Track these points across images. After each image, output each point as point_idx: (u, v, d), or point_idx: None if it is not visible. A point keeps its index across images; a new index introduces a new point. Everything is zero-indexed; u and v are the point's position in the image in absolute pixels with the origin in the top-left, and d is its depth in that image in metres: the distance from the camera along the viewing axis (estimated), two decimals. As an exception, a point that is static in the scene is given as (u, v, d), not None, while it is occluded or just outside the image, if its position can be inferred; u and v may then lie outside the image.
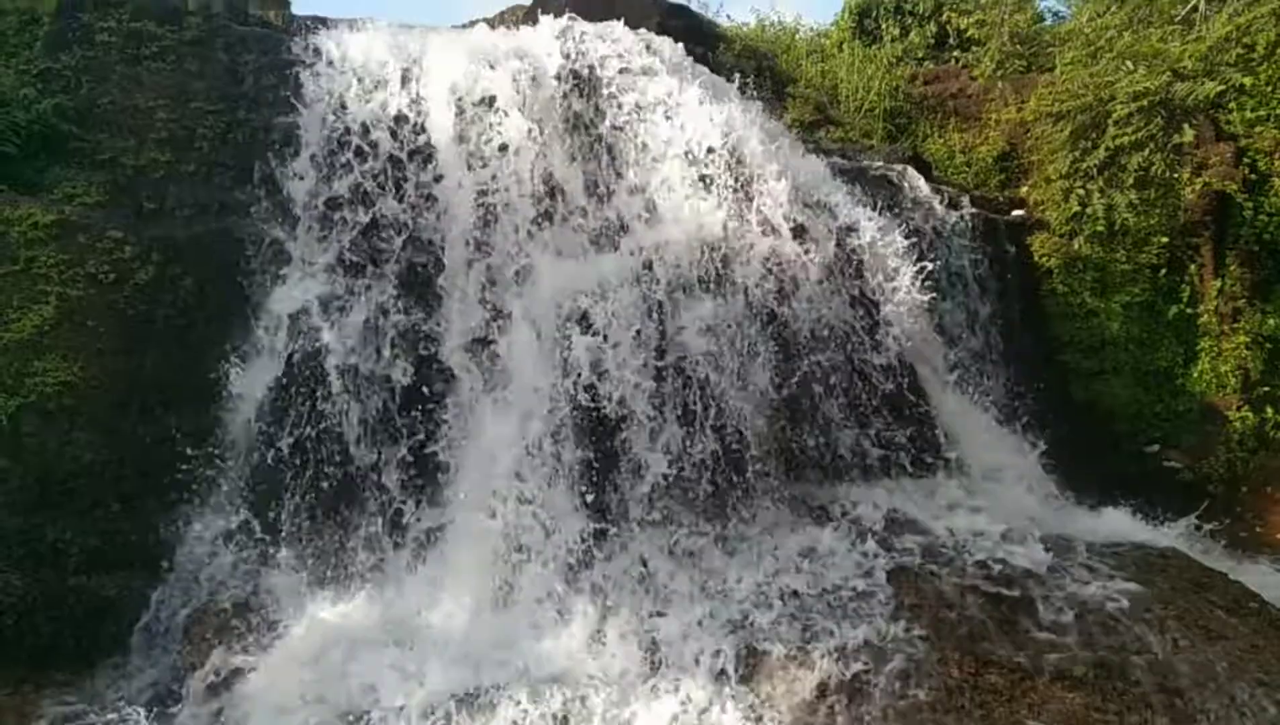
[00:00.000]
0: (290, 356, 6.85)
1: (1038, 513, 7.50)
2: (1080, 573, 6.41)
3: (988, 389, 8.63)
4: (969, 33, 12.48)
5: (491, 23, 10.96)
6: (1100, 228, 9.95)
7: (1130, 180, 9.90)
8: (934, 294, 8.35)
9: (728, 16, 13.95)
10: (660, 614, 6.16)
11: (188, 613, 6.37)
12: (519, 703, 5.51)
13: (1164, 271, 9.99)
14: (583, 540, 6.45)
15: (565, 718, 5.50)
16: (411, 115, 7.78)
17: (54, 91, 7.44)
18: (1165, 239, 9.89)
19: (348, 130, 7.67)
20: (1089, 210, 10.01)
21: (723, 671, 5.73)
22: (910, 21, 13.18)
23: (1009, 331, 9.52)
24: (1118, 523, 7.63)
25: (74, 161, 7.30)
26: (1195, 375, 9.72)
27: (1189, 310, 9.93)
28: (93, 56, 7.65)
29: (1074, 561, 6.53)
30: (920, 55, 12.87)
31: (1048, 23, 13.49)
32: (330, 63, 8.08)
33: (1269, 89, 10.00)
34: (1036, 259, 10.26)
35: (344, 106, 7.78)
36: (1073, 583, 6.28)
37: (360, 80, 7.95)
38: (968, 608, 5.99)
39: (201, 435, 6.87)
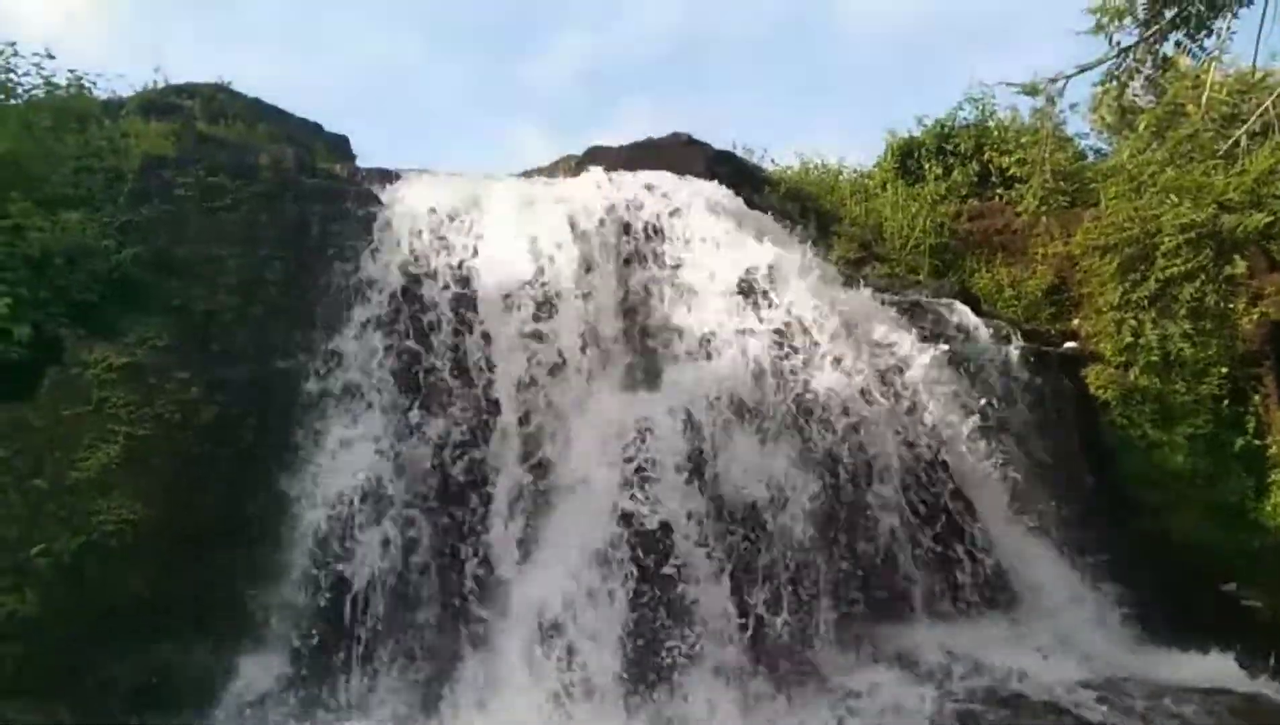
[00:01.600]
0: (345, 497, 6.98)
1: (1107, 654, 7.20)
2: (1156, 719, 6.11)
3: (1052, 527, 8.38)
4: (1011, 171, 12.74)
5: (544, 172, 11.50)
6: (1155, 358, 9.88)
7: (1183, 311, 9.89)
8: (990, 429, 8.35)
9: (772, 161, 14.44)
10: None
11: None
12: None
13: (1226, 402, 9.82)
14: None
15: None
16: (466, 260, 8.17)
17: (133, 242, 7.89)
18: (1225, 369, 9.77)
19: (405, 276, 8.04)
20: (1142, 341, 9.97)
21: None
22: (953, 161, 13.50)
23: (1069, 466, 9.34)
24: (1197, 666, 7.27)
25: (148, 306, 7.66)
26: (1268, 509, 9.37)
27: (1256, 441, 9.68)
28: (171, 209, 8.15)
29: (1153, 709, 6.21)
30: (964, 193, 13.11)
31: (1089, 160, 13.76)
32: (389, 213, 8.55)
33: (1317, 218, 10.00)
34: (1093, 391, 10.13)
35: (402, 254, 8.19)
36: (1155, 731, 5.99)
37: (417, 229, 8.39)
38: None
39: (257, 574, 6.96)
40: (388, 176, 9.47)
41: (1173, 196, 10.34)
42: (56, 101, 9.22)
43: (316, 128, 12.68)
